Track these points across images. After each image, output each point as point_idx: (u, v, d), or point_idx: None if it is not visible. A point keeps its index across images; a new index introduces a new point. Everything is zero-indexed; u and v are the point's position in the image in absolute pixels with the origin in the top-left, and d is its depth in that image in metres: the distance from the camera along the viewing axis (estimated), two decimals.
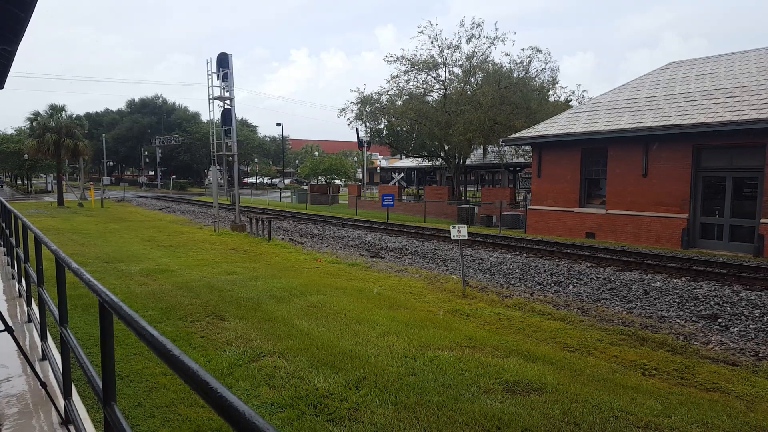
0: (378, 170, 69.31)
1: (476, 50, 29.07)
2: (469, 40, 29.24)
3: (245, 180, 77.51)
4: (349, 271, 12.21)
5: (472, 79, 29.40)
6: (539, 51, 29.30)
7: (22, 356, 4.13)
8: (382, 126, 33.84)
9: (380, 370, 5.72)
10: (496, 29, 36.95)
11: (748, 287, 10.84)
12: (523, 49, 40.17)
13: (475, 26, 28.72)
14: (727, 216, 16.43)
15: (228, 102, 21.34)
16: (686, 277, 11.86)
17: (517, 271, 13.03)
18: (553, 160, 21.14)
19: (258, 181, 79.12)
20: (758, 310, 9.08)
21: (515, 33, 53.44)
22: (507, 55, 42.51)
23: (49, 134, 34.71)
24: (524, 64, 29.32)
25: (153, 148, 70.86)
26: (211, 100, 21.31)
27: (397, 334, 7.09)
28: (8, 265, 8.94)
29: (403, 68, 30.50)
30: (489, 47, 28.93)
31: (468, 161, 33.43)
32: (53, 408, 3.47)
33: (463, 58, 29.34)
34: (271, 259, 13.87)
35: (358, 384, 5.36)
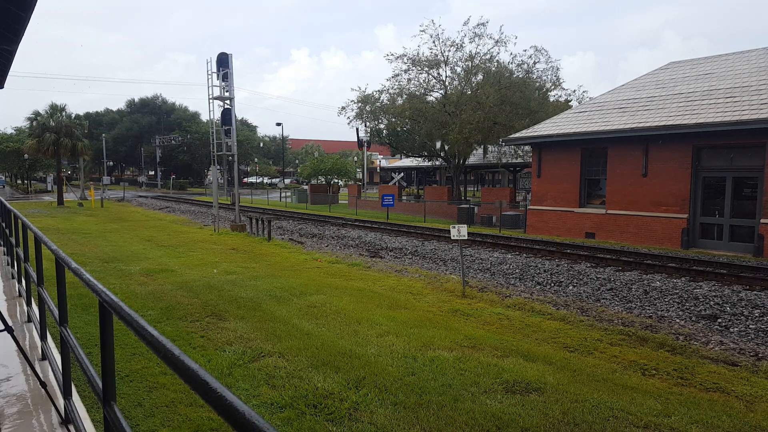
0: (378, 170, 69.37)
1: (479, 50, 29.11)
2: (472, 40, 29.28)
3: (245, 180, 77.57)
4: (349, 271, 12.20)
5: (474, 79, 29.40)
6: (540, 51, 29.34)
7: (22, 356, 4.13)
8: (382, 126, 33.85)
9: (380, 370, 5.72)
10: (501, 32, 36.90)
11: (747, 287, 10.84)
12: (525, 50, 40.19)
13: (480, 26, 28.74)
14: (727, 216, 16.43)
15: (228, 102, 21.34)
16: (686, 277, 11.86)
17: (516, 271, 13.03)
18: (553, 160, 21.14)
19: (258, 180, 79.16)
20: (758, 310, 9.08)
21: (516, 37, 53.59)
22: (510, 54, 42.55)
23: (49, 134, 34.71)
24: (527, 64, 29.35)
25: (153, 147, 70.89)
26: (211, 100, 21.31)
27: (396, 334, 7.09)
28: (8, 264, 8.94)
29: (404, 66, 30.52)
30: (492, 47, 28.96)
31: (468, 161, 33.44)
32: (53, 408, 3.47)
33: (465, 57, 29.36)
34: (271, 259, 13.87)
35: (357, 384, 5.36)
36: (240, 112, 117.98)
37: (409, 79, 30.78)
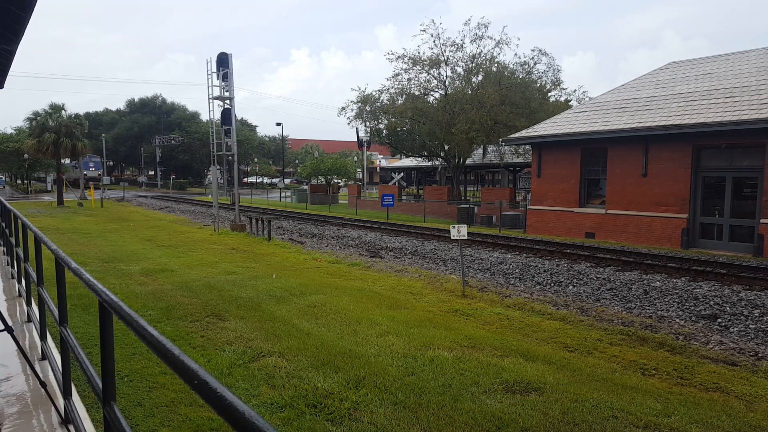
0: (378, 170, 69.38)
1: (480, 50, 29.10)
2: (473, 41, 29.28)
3: (245, 180, 77.57)
4: (349, 271, 12.21)
5: (474, 79, 29.39)
6: (545, 54, 29.36)
7: (21, 356, 4.14)
8: (382, 126, 33.84)
9: (380, 370, 5.72)
10: (504, 33, 36.87)
11: (747, 287, 10.84)
12: (531, 50, 40.09)
13: (481, 27, 28.71)
14: (726, 216, 16.43)
15: (228, 102, 21.34)
16: (686, 277, 11.86)
17: (516, 271, 13.03)
18: (553, 160, 21.14)
19: (258, 180, 79.18)
20: (758, 310, 9.08)
21: (519, 39, 53.55)
22: (515, 54, 42.58)
23: (49, 134, 34.68)
24: (528, 65, 29.36)
25: (153, 147, 70.87)
26: (210, 100, 21.31)
27: (396, 333, 7.09)
28: (8, 264, 8.94)
29: (404, 66, 30.50)
30: (494, 48, 28.97)
31: (468, 161, 33.43)
32: (53, 408, 3.47)
33: (466, 57, 29.35)
34: (271, 259, 13.87)
35: (357, 384, 5.36)
36: (240, 112, 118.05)
37: (409, 79, 30.77)
